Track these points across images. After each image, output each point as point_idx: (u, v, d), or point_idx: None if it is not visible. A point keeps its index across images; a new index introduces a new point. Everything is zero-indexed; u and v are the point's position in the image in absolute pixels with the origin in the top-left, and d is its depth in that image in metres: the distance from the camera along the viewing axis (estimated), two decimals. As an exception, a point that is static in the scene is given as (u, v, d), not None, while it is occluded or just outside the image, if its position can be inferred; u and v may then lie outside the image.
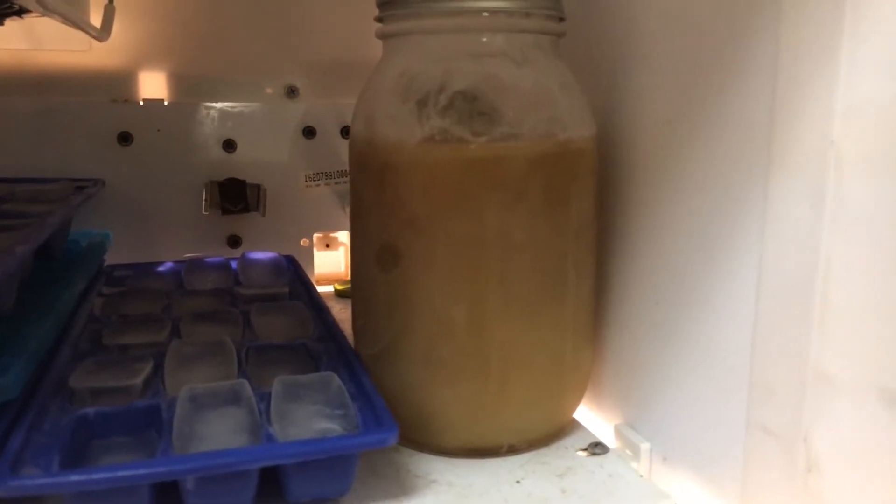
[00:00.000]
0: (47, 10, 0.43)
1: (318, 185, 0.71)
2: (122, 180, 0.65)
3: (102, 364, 0.40)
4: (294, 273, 0.60)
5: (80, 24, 0.52)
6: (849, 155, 0.27)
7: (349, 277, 0.68)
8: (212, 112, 0.67)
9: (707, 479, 0.36)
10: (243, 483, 0.32)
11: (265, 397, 0.36)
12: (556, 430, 0.42)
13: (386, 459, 0.39)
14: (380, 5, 0.40)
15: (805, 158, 0.29)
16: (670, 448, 0.39)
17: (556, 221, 0.38)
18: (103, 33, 0.57)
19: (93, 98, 0.65)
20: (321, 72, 0.71)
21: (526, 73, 0.38)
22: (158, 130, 0.66)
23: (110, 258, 0.62)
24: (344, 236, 0.74)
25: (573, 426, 0.44)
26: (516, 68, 0.38)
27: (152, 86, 0.67)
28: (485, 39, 0.38)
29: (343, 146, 0.70)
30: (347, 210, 0.69)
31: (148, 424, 0.36)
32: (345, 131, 0.70)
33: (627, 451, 0.41)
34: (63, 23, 0.50)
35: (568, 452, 0.41)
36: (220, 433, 0.35)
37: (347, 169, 0.44)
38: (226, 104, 0.68)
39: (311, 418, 0.36)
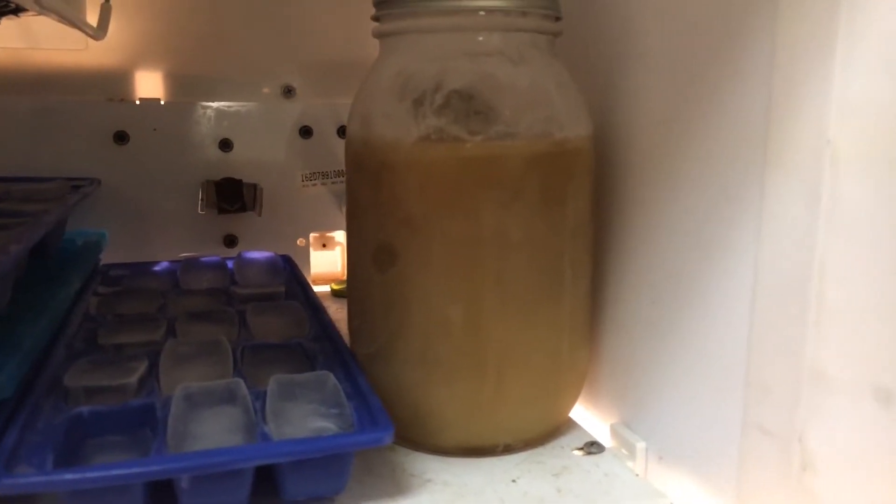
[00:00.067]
0: (44, 9, 0.43)
1: (314, 185, 0.71)
2: (118, 179, 0.65)
3: (97, 363, 0.40)
4: (290, 273, 0.60)
5: (77, 23, 0.51)
6: (845, 154, 0.27)
7: (346, 277, 0.67)
8: (208, 111, 0.67)
9: (703, 478, 0.36)
10: (238, 482, 0.32)
11: (261, 396, 0.36)
12: (552, 429, 0.42)
13: (381, 458, 0.39)
14: (376, 4, 0.40)
15: (801, 157, 0.29)
16: (666, 447, 0.39)
17: (553, 220, 0.38)
18: (100, 32, 0.57)
19: (89, 97, 0.65)
20: (318, 71, 0.71)
21: (522, 73, 0.38)
22: (155, 130, 0.66)
23: (106, 257, 0.62)
24: (340, 236, 0.74)
25: (569, 425, 0.44)
26: (513, 67, 0.38)
27: (149, 85, 0.67)
28: (481, 38, 0.38)
29: (340, 146, 0.70)
30: (344, 210, 0.69)
31: (142, 423, 0.35)
32: (341, 131, 0.70)
33: (623, 451, 0.41)
34: (59, 21, 0.50)
35: (564, 451, 0.41)
36: (215, 432, 0.35)
37: (344, 169, 0.44)
38: (222, 103, 0.67)
39: (306, 417, 0.36)
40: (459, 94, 0.37)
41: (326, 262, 0.74)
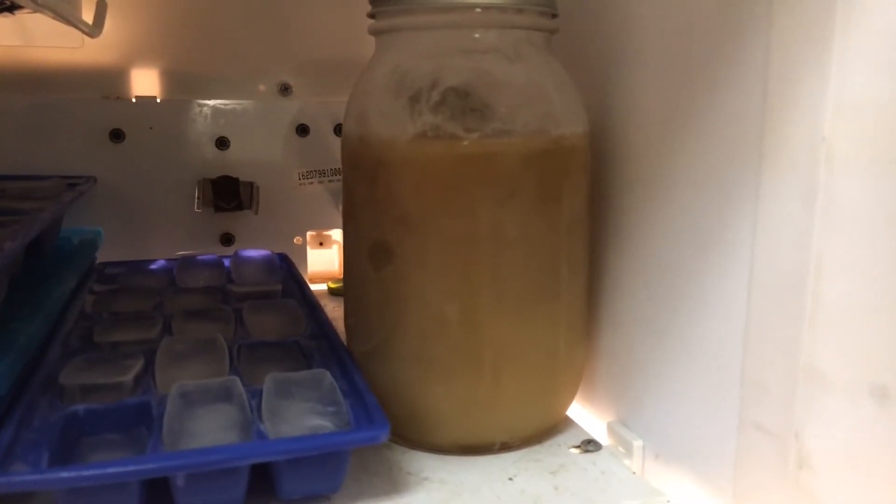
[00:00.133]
0: (39, 6, 0.43)
1: (311, 183, 0.70)
2: (114, 177, 0.65)
3: (93, 361, 0.40)
4: (287, 271, 0.60)
5: (72, 20, 0.51)
6: (840, 151, 0.27)
7: (342, 275, 0.67)
8: (205, 109, 0.67)
9: (699, 476, 0.36)
10: (234, 480, 0.32)
11: (257, 394, 0.36)
12: (549, 427, 0.42)
13: (378, 456, 0.39)
14: (372, 1, 0.40)
15: (796, 155, 0.29)
16: (663, 445, 0.39)
17: (549, 218, 0.38)
18: (95, 29, 0.56)
19: (85, 95, 0.65)
20: (315, 69, 0.71)
21: (518, 70, 0.38)
22: (151, 128, 0.66)
23: (102, 255, 0.62)
24: (337, 234, 0.74)
25: (566, 423, 0.44)
26: (509, 64, 0.38)
27: (145, 83, 0.67)
28: (477, 35, 0.38)
29: (337, 144, 0.70)
30: (341, 208, 0.69)
31: (138, 421, 0.35)
32: (338, 129, 0.70)
33: (620, 449, 0.41)
34: (55, 19, 0.49)
35: (561, 449, 0.41)
36: (210, 430, 0.35)
37: (341, 167, 0.44)
38: (219, 101, 0.67)
39: (302, 415, 0.36)
40: (455, 91, 0.37)
41: (323, 260, 0.74)
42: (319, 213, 0.71)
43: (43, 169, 0.62)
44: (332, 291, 0.69)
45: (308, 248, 0.73)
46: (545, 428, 0.42)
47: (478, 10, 0.37)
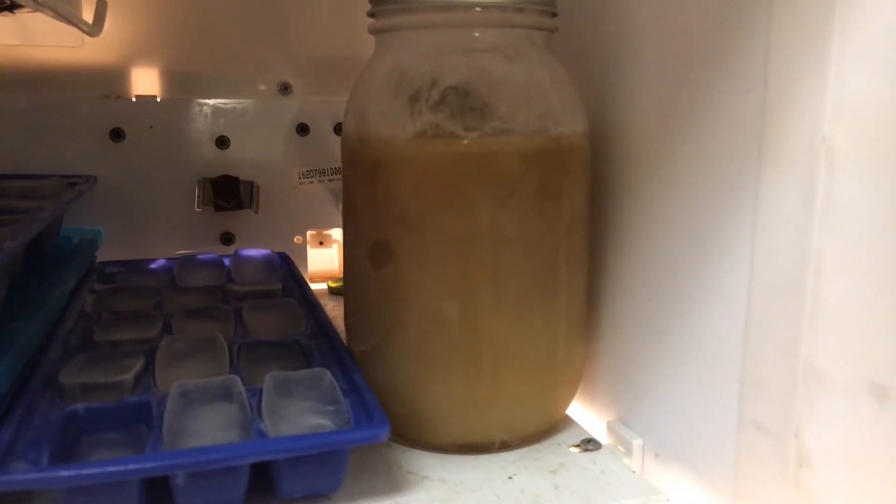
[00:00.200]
0: (39, 5, 0.43)
1: (311, 183, 0.70)
2: (114, 177, 0.65)
3: (93, 360, 0.40)
4: (287, 270, 0.60)
5: (72, 19, 0.51)
6: (840, 150, 0.27)
7: (342, 274, 0.67)
8: (205, 109, 0.67)
9: (699, 475, 0.36)
10: (234, 479, 0.32)
11: (256, 393, 0.36)
12: (549, 426, 0.42)
13: (377, 455, 0.39)
14: (372, 0, 0.40)
15: (796, 153, 0.29)
16: (663, 444, 0.39)
17: (549, 217, 0.38)
18: (95, 28, 0.56)
19: (85, 94, 0.65)
20: (315, 69, 0.71)
21: (518, 69, 0.38)
22: (151, 127, 0.66)
23: (102, 255, 0.62)
24: (338, 234, 0.74)
25: (566, 422, 0.44)
26: (508, 63, 0.38)
27: (145, 82, 0.67)
28: (477, 34, 0.38)
29: (337, 143, 0.70)
30: (341, 207, 0.69)
31: (138, 420, 0.35)
32: (338, 128, 0.70)
33: (620, 448, 0.41)
34: (55, 18, 0.49)
35: (560, 448, 0.41)
36: (210, 429, 0.35)
37: (341, 166, 0.44)
38: (219, 101, 0.67)
39: (302, 414, 0.36)
40: (455, 90, 0.37)
41: (323, 259, 0.74)
42: (319, 213, 0.72)
43: (43, 168, 0.62)
44: (332, 291, 0.69)
45: (308, 247, 0.73)
46: (545, 427, 0.42)
47: (477, 9, 0.37)
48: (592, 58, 0.43)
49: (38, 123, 0.63)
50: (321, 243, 0.74)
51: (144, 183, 0.66)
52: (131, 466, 0.30)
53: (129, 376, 0.38)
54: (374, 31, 0.41)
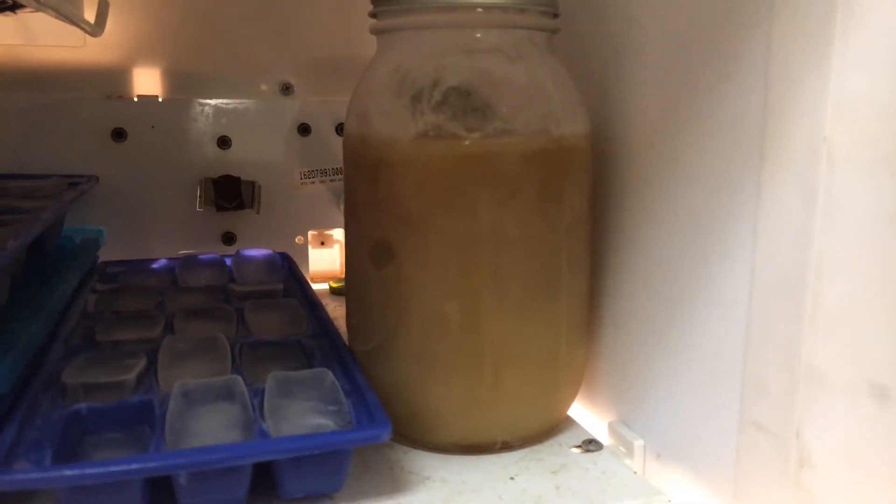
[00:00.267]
0: (41, 5, 0.43)
1: (313, 183, 0.71)
2: (116, 177, 0.65)
3: (95, 360, 0.40)
4: (288, 270, 0.60)
5: (74, 19, 0.51)
6: (841, 151, 0.27)
7: (344, 275, 0.68)
8: (206, 109, 0.67)
9: (700, 476, 0.36)
10: (236, 478, 0.32)
11: (258, 393, 0.36)
12: (550, 426, 0.42)
13: (379, 456, 0.39)
14: (374, 1, 0.40)
15: (797, 154, 0.29)
16: (664, 445, 0.39)
17: (550, 217, 0.38)
18: (97, 28, 0.56)
19: (87, 94, 0.65)
20: (316, 69, 0.71)
21: (520, 69, 0.38)
22: (153, 127, 0.66)
23: (104, 254, 0.62)
24: (339, 234, 0.74)
25: (567, 423, 0.44)
26: (510, 64, 0.38)
27: (147, 82, 0.67)
28: (479, 35, 0.38)
29: (338, 143, 0.69)
30: (342, 207, 0.69)
31: (140, 420, 0.35)
32: (340, 128, 0.70)
33: (621, 448, 0.41)
34: (57, 18, 0.49)
35: (562, 449, 0.41)
36: (212, 429, 0.35)
37: (342, 167, 0.44)
38: (220, 101, 0.67)
39: (304, 414, 0.36)
40: (457, 90, 0.37)
41: (325, 259, 0.74)
42: (321, 213, 0.72)
43: (45, 168, 0.62)
44: (333, 291, 0.69)
45: (309, 247, 0.73)
46: (546, 427, 0.42)
47: (479, 9, 0.37)
48: (594, 59, 0.43)
49: (40, 123, 0.63)
50: (322, 243, 0.74)
51: (146, 183, 0.66)
52: (134, 466, 0.30)
53: (131, 376, 0.38)
54: (376, 32, 0.41)
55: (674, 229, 0.37)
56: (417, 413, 0.39)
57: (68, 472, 0.29)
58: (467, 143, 0.36)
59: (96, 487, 0.29)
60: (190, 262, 0.61)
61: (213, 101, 0.67)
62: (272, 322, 0.48)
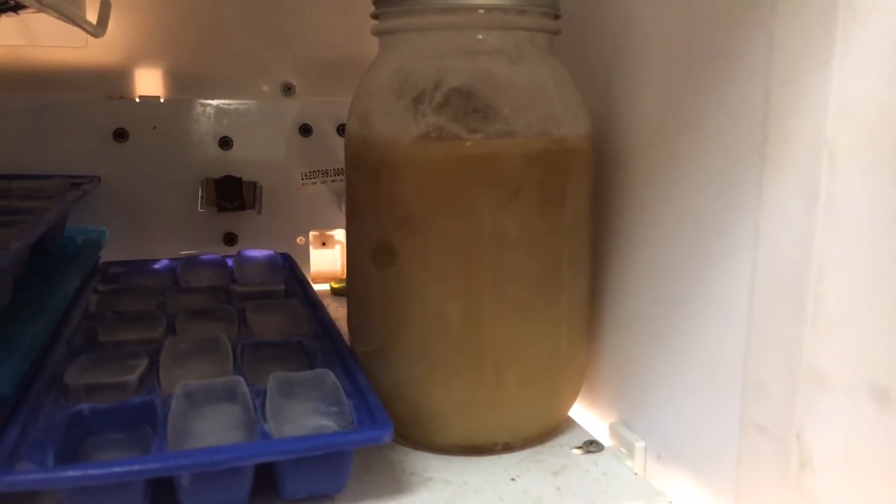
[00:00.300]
0: (43, 6, 0.43)
1: (314, 183, 0.71)
2: (117, 177, 0.65)
3: (97, 360, 0.40)
4: (290, 271, 0.60)
5: (76, 20, 0.51)
6: (842, 153, 0.27)
7: (345, 275, 0.68)
8: (208, 109, 0.67)
9: (701, 477, 0.36)
10: (238, 479, 0.32)
11: (260, 394, 0.36)
12: (551, 427, 0.42)
13: (381, 457, 0.39)
14: (375, 2, 0.40)
15: (799, 156, 0.29)
16: (665, 446, 0.39)
17: (551, 219, 0.38)
18: (99, 29, 0.57)
19: (89, 94, 0.65)
20: (318, 70, 0.71)
21: (521, 71, 0.38)
22: (154, 127, 0.66)
23: (106, 255, 0.62)
24: (340, 234, 0.74)
25: (568, 424, 0.44)
26: (511, 65, 0.38)
27: (148, 82, 0.67)
28: (480, 36, 0.38)
29: (339, 144, 0.70)
30: (344, 208, 0.69)
31: (143, 421, 0.35)
32: (341, 129, 0.70)
33: (622, 450, 0.41)
34: (59, 19, 0.50)
35: (563, 450, 0.41)
36: (215, 430, 0.35)
37: (343, 167, 0.45)
38: (222, 101, 0.68)
39: (306, 415, 0.36)
40: (458, 92, 0.37)
41: (326, 260, 0.74)
42: (322, 213, 0.72)
43: (47, 168, 0.62)
44: (334, 291, 0.70)
45: (311, 247, 0.73)
46: (547, 429, 0.42)
47: (481, 11, 0.37)
48: (595, 60, 0.43)
49: (42, 124, 0.63)
50: (324, 244, 0.74)
51: (148, 183, 0.66)
52: (137, 467, 0.30)
53: (133, 377, 0.38)
54: (378, 33, 0.41)
55: (675, 230, 0.37)
56: (419, 414, 0.39)
57: (71, 473, 0.29)
58: (469, 144, 0.36)
59: (99, 488, 0.30)
60: (191, 262, 0.61)
61: (214, 102, 0.67)
62: (274, 323, 0.48)
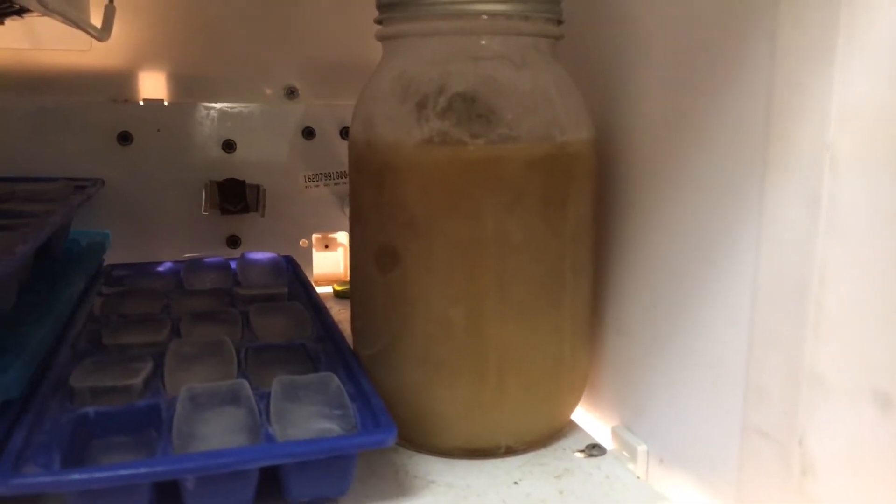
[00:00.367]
0: (48, 10, 0.43)
1: (317, 186, 0.71)
2: (121, 180, 0.65)
3: (102, 364, 0.41)
4: (293, 273, 0.60)
5: (81, 24, 0.52)
6: (844, 158, 0.27)
7: (348, 278, 0.68)
8: (211, 112, 0.67)
9: (703, 482, 0.36)
10: (243, 483, 0.32)
11: (264, 397, 0.36)
12: (554, 431, 0.42)
13: (384, 460, 0.39)
14: (379, 7, 0.40)
15: (801, 161, 0.29)
16: (667, 450, 0.39)
17: (554, 223, 0.39)
18: (104, 33, 0.57)
19: (93, 98, 0.65)
20: (320, 73, 0.71)
21: (524, 76, 0.38)
22: (158, 130, 0.66)
23: (110, 258, 0.62)
24: (343, 237, 0.74)
25: (571, 427, 0.44)
26: (515, 71, 0.38)
27: (152, 86, 0.67)
28: (483, 42, 0.38)
29: (342, 147, 0.70)
30: (346, 211, 0.69)
31: (148, 424, 0.36)
32: (344, 132, 0.71)
33: (624, 453, 0.41)
34: (63, 22, 0.50)
35: (565, 454, 0.41)
36: (219, 433, 0.35)
37: (346, 170, 0.45)
38: (225, 104, 0.68)
39: (310, 418, 0.36)
40: (462, 97, 0.37)
41: (329, 263, 0.75)
42: (325, 216, 0.72)
43: (51, 171, 0.62)
44: (337, 294, 0.70)
45: (314, 250, 0.73)
46: (550, 432, 0.42)
47: (484, 17, 0.37)
48: (597, 65, 0.43)
49: (46, 126, 0.63)
50: (326, 246, 0.74)
51: (151, 186, 0.66)
52: (143, 470, 0.30)
53: (138, 380, 0.38)
54: (382, 38, 0.41)
55: (677, 235, 0.37)
56: (422, 417, 0.40)
57: (77, 476, 0.29)
58: (472, 148, 0.37)
59: (104, 491, 0.30)
60: (195, 265, 0.61)
61: (218, 105, 0.68)
62: (277, 325, 0.48)
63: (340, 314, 0.61)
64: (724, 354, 0.34)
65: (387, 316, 0.40)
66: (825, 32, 0.27)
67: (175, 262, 0.62)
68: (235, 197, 0.67)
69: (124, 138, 0.65)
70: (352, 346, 0.44)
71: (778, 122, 0.30)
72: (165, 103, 0.67)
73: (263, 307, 0.50)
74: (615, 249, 0.43)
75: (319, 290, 0.62)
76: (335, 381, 0.38)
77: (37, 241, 0.40)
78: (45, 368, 0.40)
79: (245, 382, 0.37)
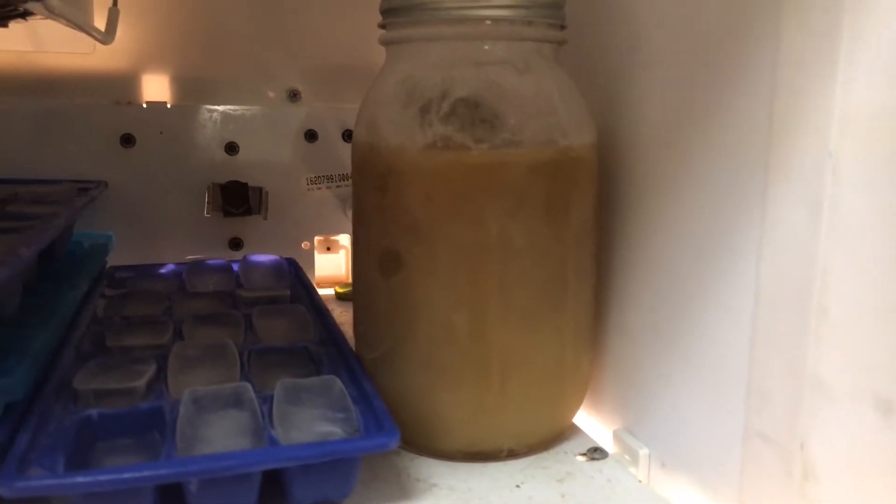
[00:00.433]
0: (52, 13, 0.44)
1: (319, 189, 0.71)
2: (124, 182, 0.65)
3: (106, 366, 0.41)
4: (295, 276, 0.61)
5: (84, 27, 0.52)
6: (846, 162, 0.27)
7: (350, 280, 0.68)
8: (214, 115, 0.68)
9: (705, 486, 0.36)
10: (246, 485, 0.32)
11: (267, 400, 0.37)
12: (556, 434, 0.43)
13: (387, 463, 0.39)
14: (383, 12, 0.40)
15: (803, 167, 0.29)
16: (669, 454, 0.39)
17: (557, 228, 0.39)
18: (107, 36, 0.57)
19: (96, 100, 0.65)
20: (323, 76, 0.71)
21: (527, 81, 0.38)
22: (161, 133, 0.66)
23: (112, 260, 0.62)
24: (345, 239, 0.74)
25: (572, 431, 0.44)
26: (518, 76, 0.38)
27: (155, 88, 0.67)
28: (487, 47, 0.38)
29: (344, 150, 0.70)
30: (348, 213, 0.70)
31: (151, 426, 0.36)
32: (346, 135, 0.71)
33: (626, 457, 0.42)
34: (67, 25, 0.50)
35: (567, 457, 0.41)
36: (222, 435, 0.35)
37: (348, 172, 0.45)
38: (228, 107, 0.68)
39: (312, 421, 0.36)
40: (465, 101, 0.37)
41: (331, 265, 0.75)
42: (327, 219, 0.72)
43: (54, 173, 0.62)
44: (339, 296, 0.70)
45: (316, 252, 0.73)
46: (552, 435, 0.42)
47: (488, 22, 0.38)
48: (600, 70, 0.43)
49: (50, 129, 0.63)
50: (328, 249, 0.75)
51: (154, 188, 0.66)
52: (146, 473, 0.30)
53: (141, 382, 0.38)
54: (385, 43, 0.41)
55: (679, 239, 0.37)
56: (424, 420, 0.40)
57: (81, 479, 0.29)
58: (475, 153, 0.37)
59: (108, 494, 0.30)
60: (197, 267, 0.61)
61: (220, 108, 0.68)
62: (280, 328, 0.48)
63: (342, 316, 0.61)
64: (727, 358, 0.34)
65: (390, 320, 0.40)
66: (828, 37, 0.28)
67: (177, 264, 0.63)
68: (238, 199, 0.67)
69: (127, 140, 0.65)
70: (354, 349, 0.44)
71: (780, 126, 0.30)
72: (168, 106, 0.67)
73: (266, 310, 0.50)
74: (617, 253, 0.43)
75: (321, 292, 0.62)
76: (338, 384, 0.38)
77: (41, 244, 0.40)
78: (49, 371, 0.40)
79: (248, 385, 0.37)
